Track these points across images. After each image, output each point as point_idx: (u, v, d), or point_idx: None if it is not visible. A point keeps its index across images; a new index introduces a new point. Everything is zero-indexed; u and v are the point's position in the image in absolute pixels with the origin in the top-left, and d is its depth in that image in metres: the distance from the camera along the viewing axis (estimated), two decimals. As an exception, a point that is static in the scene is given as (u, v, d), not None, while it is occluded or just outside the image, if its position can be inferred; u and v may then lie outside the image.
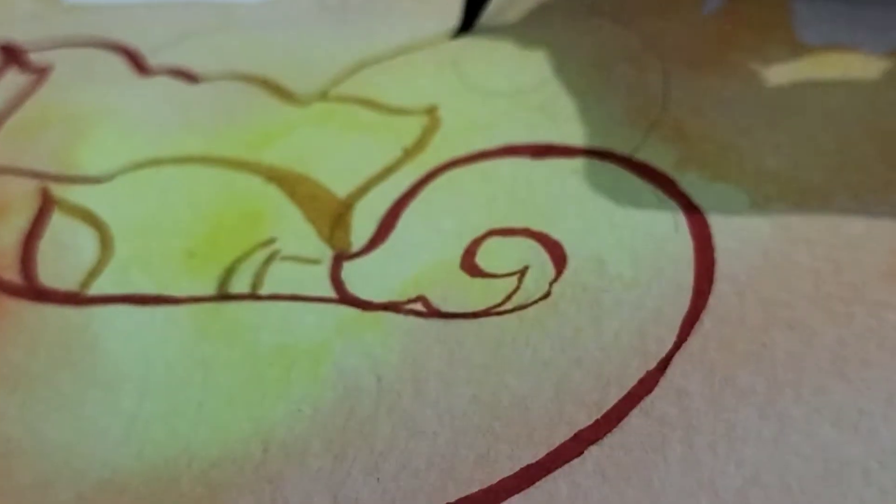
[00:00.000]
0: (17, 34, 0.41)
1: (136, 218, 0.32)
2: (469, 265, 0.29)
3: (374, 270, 0.30)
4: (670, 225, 0.29)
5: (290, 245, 0.31)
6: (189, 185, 0.33)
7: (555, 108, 0.34)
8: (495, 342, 0.27)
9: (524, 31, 0.37)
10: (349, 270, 0.30)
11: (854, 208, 0.28)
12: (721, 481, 0.23)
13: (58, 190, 0.34)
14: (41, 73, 0.39)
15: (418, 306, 0.28)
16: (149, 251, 0.31)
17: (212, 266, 0.31)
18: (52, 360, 0.29)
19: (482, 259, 0.29)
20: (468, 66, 0.36)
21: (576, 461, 0.24)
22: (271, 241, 0.31)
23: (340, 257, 0.30)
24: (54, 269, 0.31)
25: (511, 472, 0.24)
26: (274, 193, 0.33)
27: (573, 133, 0.33)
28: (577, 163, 0.32)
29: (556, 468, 0.24)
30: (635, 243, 0.29)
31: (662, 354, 0.26)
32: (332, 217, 0.32)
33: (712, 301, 0.27)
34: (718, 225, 0.29)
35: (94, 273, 0.31)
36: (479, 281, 0.29)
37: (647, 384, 0.25)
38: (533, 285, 0.28)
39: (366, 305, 0.29)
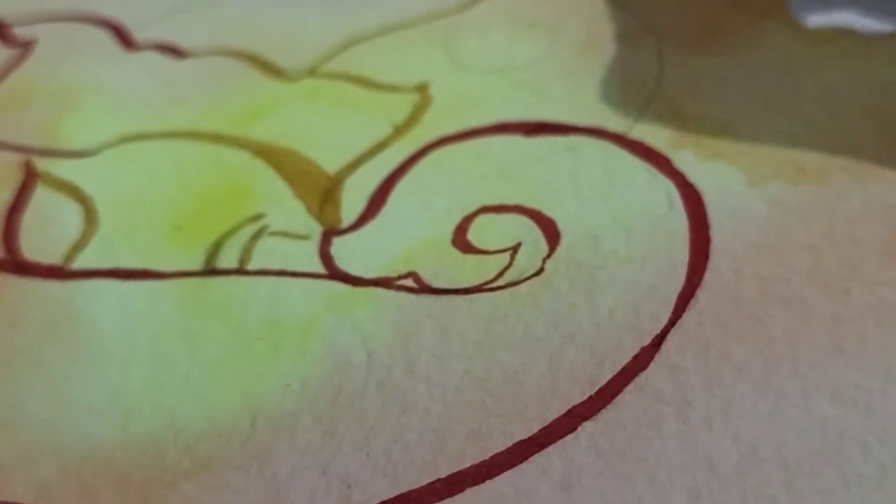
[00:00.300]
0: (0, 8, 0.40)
1: (122, 192, 0.32)
2: (461, 241, 0.29)
3: (364, 246, 0.29)
4: (665, 202, 0.29)
5: (278, 220, 0.30)
6: (176, 159, 0.33)
7: (547, 87, 0.33)
8: (488, 318, 0.27)
9: (516, 9, 0.37)
10: (339, 246, 0.29)
11: (851, 187, 0.28)
12: (717, 456, 0.23)
13: (42, 163, 0.33)
14: (25, 47, 0.38)
15: (409, 282, 0.28)
16: (134, 225, 0.31)
17: (198, 241, 0.30)
18: (36, 334, 0.28)
19: (474, 235, 0.29)
20: (459, 43, 0.36)
21: (569, 437, 0.24)
22: (259, 216, 0.31)
23: (330, 233, 0.30)
24: (37, 243, 0.31)
25: (504, 448, 0.24)
26: (262, 169, 0.32)
27: (566, 111, 0.32)
28: (571, 140, 0.31)
29: (550, 444, 0.24)
30: (630, 220, 0.28)
31: (657, 331, 0.26)
32: (321, 193, 0.31)
33: (708, 278, 0.27)
34: (714, 203, 0.28)
35: (78, 247, 0.30)
36: (471, 257, 0.28)
37: (642, 360, 0.25)
38: (526, 262, 0.28)
39: (356, 281, 0.28)
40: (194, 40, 0.37)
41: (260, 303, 0.28)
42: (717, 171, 0.29)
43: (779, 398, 0.24)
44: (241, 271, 0.29)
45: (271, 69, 0.36)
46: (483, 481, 0.23)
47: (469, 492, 0.23)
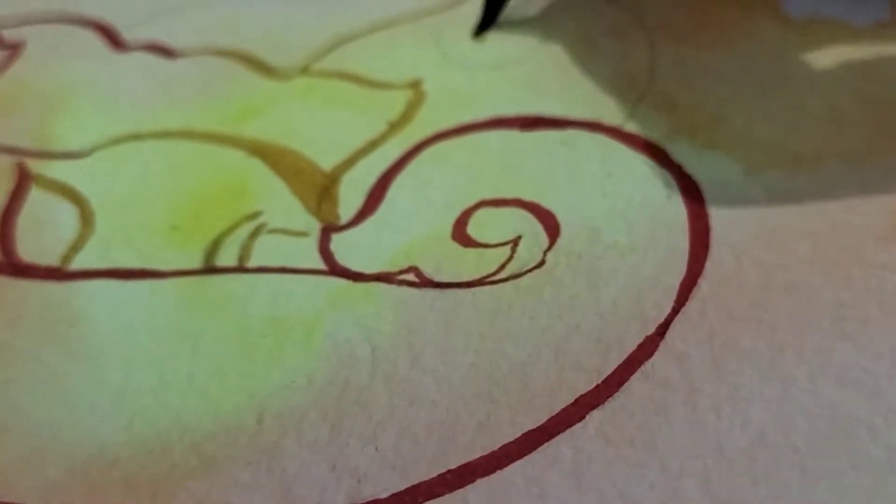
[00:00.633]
0: (-14, 11, 0.40)
1: (117, 193, 0.32)
2: (461, 235, 0.29)
3: (364, 242, 0.29)
4: (663, 193, 0.29)
5: (276, 218, 0.30)
6: (170, 159, 0.33)
7: (540, 81, 0.33)
8: (491, 310, 0.27)
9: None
10: (338, 242, 0.29)
11: (847, 173, 0.28)
12: (727, 441, 0.23)
13: (35, 165, 0.33)
14: (14, 49, 0.38)
15: (411, 277, 0.28)
16: (131, 226, 0.31)
17: (196, 239, 0.30)
18: (35, 335, 0.28)
19: (474, 229, 0.29)
20: (450, 39, 0.36)
21: (578, 426, 0.24)
22: (257, 214, 0.30)
23: (329, 229, 0.30)
24: (34, 245, 0.30)
25: (513, 438, 0.24)
26: (258, 167, 0.32)
27: (560, 105, 0.32)
28: (567, 134, 0.31)
29: (559, 433, 0.24)
30: (629, 211, 0.29)
31: (661, 319, 0.26)
32: (318, 190, 0.31)
33: (709, 266, 0.27)
34: (712, 192, 0.29)
35: (75, 248, 0.30)
36: (471, 251, 0.28)
37: (647, 349, 0.25)
38: (527, 254, 0.28)
39: (357, 277, 0.28)
40: (185, 40, 0.37)
41: (261, 300, 0.28)
42: (713, 161, 0.30)
43: (785, 383, 0.24)
44: (240, 269, 0.29)
45: (263, 68, 0.36)
46: (493, 472, 0.23)
47: (479, 482, 0.23)
